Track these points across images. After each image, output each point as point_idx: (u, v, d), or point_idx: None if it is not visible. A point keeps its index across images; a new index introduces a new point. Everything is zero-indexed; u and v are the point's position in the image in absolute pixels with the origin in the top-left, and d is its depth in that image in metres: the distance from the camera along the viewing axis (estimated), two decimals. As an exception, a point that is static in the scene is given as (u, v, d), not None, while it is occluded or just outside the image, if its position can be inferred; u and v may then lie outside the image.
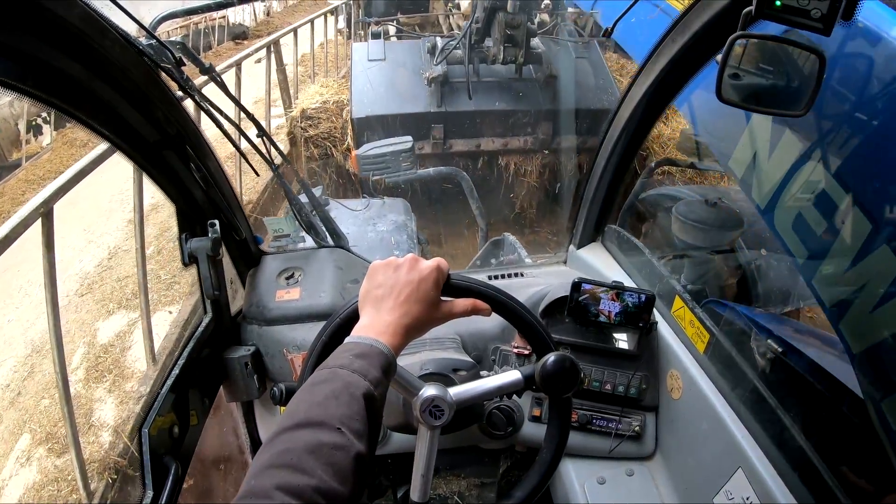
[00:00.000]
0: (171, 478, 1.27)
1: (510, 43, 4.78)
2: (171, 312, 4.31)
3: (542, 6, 5.61)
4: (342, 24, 9.47)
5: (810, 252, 1.29)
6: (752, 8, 0.92)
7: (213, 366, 1.61)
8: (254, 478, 0.60)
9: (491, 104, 5.13)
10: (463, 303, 0.95)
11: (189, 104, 1.36)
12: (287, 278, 1.82)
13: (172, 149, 1.33)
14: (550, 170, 5.41)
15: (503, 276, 1.95)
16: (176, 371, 1.42)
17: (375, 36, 6.10)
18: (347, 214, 2.36)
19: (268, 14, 19.45)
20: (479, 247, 3.14)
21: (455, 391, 1.00)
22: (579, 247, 1.99)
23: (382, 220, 2.85)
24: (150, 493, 1.21)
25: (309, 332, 1.69)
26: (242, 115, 1.69)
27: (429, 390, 0.99)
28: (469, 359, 1.47)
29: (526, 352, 1.62)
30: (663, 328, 1.59)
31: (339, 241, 1.96)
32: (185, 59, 1.25)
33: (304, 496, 0.58)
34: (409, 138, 2.53)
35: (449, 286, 0.97)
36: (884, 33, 1.17)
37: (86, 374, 4.05)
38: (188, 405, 1.45)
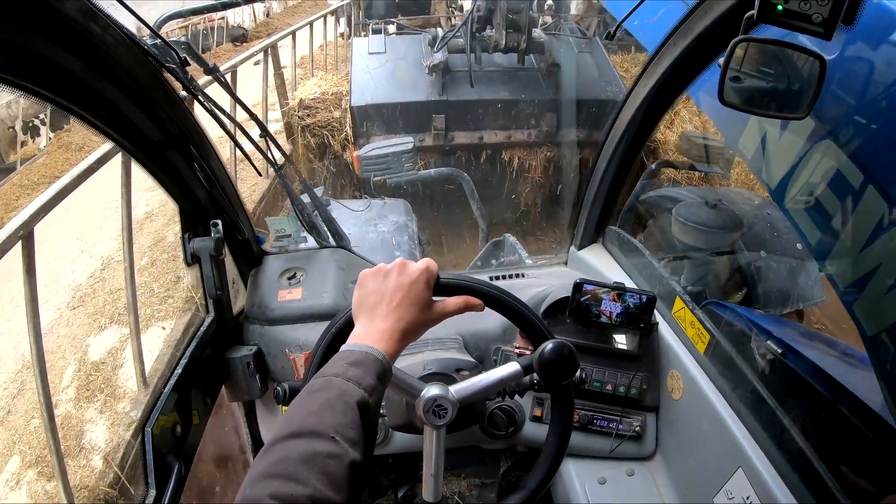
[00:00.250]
0: (173, 477, 1.27)
1: (512, 28, 4.72)
2: (164, 328, 4.17)
3: (546, 7, 5.59)
4: (343, 27, 9.45)
5: (823, 233, 1.27)
6: (754, 12, 0.93)
7: (215, 365, 1.61)
8: (249, 487, 0.61)
9: (493, 93, 5.03)
10: (455, 301, 0.96)
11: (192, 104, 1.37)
12: (289, 278, 1.83)
13: (176, 149, 1.33)
14: (555, 165, 5.29)
15: (504, 277, 1.96)
16: (178, 370, 1.42)
17: (376, 31, 6.03)
18: (348, 215, 2.37)
19: (267, 15, 19.42)
20: (479, 248, 3.15)
21: (456, 388, 1.01)
22: (580, 248, 2.00)
23: (383, 221, 2.86)
24: (153, 492, 1.22)
25: (311, 332, 1.69)
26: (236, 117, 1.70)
27: (430, 390, 0.99)
28: (471, 359, 1.47)
29: (528, 352, 1.63)
30: (664, 329, 1.60)
31: (341, 242, 1.96)
32: (189, 60, 1.25)
33: None
34: (410, 139, 2.54)
35: (440, 286, 0.97)
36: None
37: (76, 392, 3.92)
38: (191, 405, 1.46)
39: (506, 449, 1.86)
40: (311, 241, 1.96)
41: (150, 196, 5.94)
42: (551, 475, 1.14)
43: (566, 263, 2.09)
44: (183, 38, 1.22)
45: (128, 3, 1.05)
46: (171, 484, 1.26)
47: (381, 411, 1.40)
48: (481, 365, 1.32)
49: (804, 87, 1.09)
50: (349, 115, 5.07)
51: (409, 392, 1.01)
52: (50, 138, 9.18)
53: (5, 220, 2.12)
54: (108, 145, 2.35)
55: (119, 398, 3.77)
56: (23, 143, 9.01)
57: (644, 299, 1.51)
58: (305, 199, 1.94)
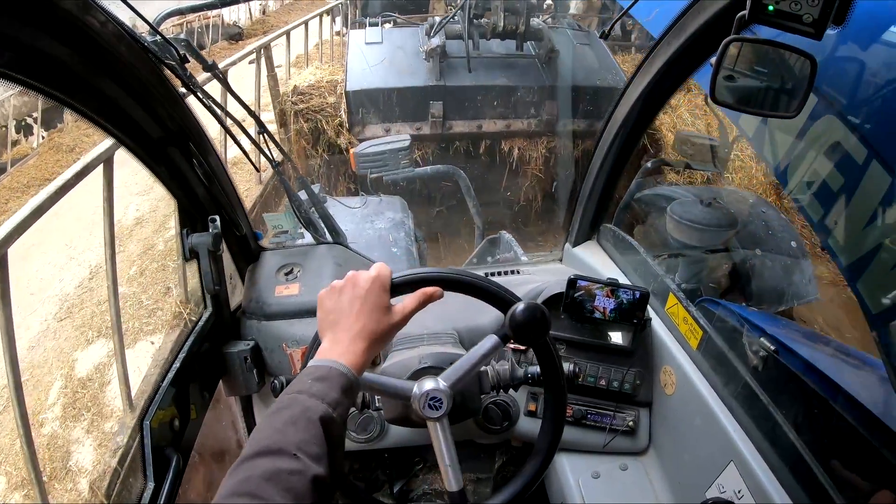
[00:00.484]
0: (172, 470, 1.28)
1: (510, 11, 4.68)
2: (152, 343, 4.06)
3: (545, 7, 5.56)
4: (339, 25, 9.40)
5: (826, 209, 1.27)
6: (745, 12, 0.95)
7: (213, 360, 1.63)
8: None
9: (492, 80, 4.94)
10: (412, 297, 0.97)
11: (190, 101, 1.38)
12: (286, 274, 1.84)
13: (175, 145, 1.34)
14: (557, 157, 5.17)
15: (499, 274, 1.98)
16: (177, 365, 1.43)
17: (374, 24, 5.94)
18: (345, 212, 2.38)
19: (263, 13, 19.36)
20: (475, 245, 3.17)
21: (444, 376, 1.03)
22: (575, 245, 2.01)
23: (380, 218, 2.87)
24: (151, 485, 1.23)
25: (308, 327, 1.71)
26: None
27: (422, 386, 1.02)
28: (466, 352, 1.49)
29: (522, 348, 1.65)
30: (657, 325, 1.61)
31: (338, 238, 1.98)
32: (188, 56, 1.26)
33: None
34: (407, 137, 2.55)
35: (395, 286, 0.98)
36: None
37: (63, 411, 3.80)
38: (188, 399, 1.47)
39: (500, 444, 1.88)
40: (308, 238, 1.97)
41: (141, 201, 5.89)
42: (544, 467, 1.15)
43: (561, 260, 2.11)
44: (182, 36, 1.23)
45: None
46: (170, 477, 1.27)
47: (377, 405, 1.42)
48: None
49: (795, 86, 1.10)
50: (344, 101, 4.94)
51: (401, 394, 1.04)
52: (43, 137, 9.12)
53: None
54: (87, 157, 2.29)
55: (106, 417, 3.65)
56: (15, 143, 8.95)
57: (637, 295, 1.53)
58: (303, 195, 1.95)
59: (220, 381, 1.68)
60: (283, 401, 0.77)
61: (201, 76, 1.47)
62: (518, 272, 1.99)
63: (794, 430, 1.19)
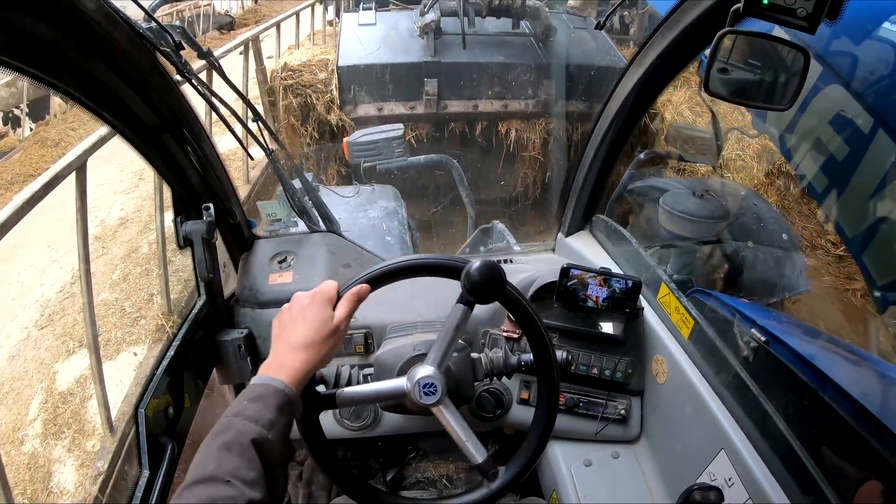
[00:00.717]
0: (167, 457, 1.29)
1: None
2: (135, 354, 3.91)
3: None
4: (332, 14, 9.26)
5: (831, 180, 1.26)
6: (740, 5, 0.95)
7: (207, 348, 1.63)
8: None
9: (488, 57, 4.82)
10: (343, 303, 0.99)
11: (184, 88, 1.37)
12: (280, 262, 1.84)
13: (170, 132, 1.34)
14: (556, 140, 5.01)
15: None
16: (171, 353, 1.44)
17: (367, 8, 5.82)
18: (338, 201, 2.38)
19: (255, 1, 19.11)
20: (468, 235, 3.17)
21: (428, 361, 1.06)
22: (568, 234, 2.03)
23: (373, 207, 2.87)
24: (146, 473, 1.23)
25: None
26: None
27: (412, 377, 1.05)
28: (460, 341, 1.50)
29: (515, 335, 1.66)
30: (649, 314, 1.63)
31: (332, 226, 1.98)
32: (183, 43, 1.26)
33: None
34: (401, 126, 2.54)
35: (341, 296, 1.02)
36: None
37: (43, 427, 3.62)
38: (183, 387, 1.47)
39: (492, 431, 1.90)
40: (302, 226, 1.97)
41: (126, 199, 5.72)
42: (537, 455, 1.17)
43: (553, 250, 2.12)
44: (177, 23, 1.23)
45: (121, -15, 1.06)
46: (165, 464, 1.27)
47: None
48: (470, 347, 1.35)
49: (788, 79, 1.12)
50: (335, 78, 4.81)
51: (396, 394, 1.07)
52: (32, 128, 8.96)
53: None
54: (58, 165, 2.19)
55: (88, 435, 3.48)
56: (2, 136, 8.79)
57: (630, 284, 1.55)
58: (296, 184, 1.95)
59: (214, 370, 1.68)
60: (220, 425, 0.80)
61: (195, 65, 1.46)
62: (511, 261, 2.01)
63: (784, 419, 1.21)
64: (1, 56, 0.82)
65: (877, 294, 1.11)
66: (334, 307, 0.98)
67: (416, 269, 1.06)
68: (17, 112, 9.07)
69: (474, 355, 1.30)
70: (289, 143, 4.91)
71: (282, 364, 0.89)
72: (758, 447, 1.24)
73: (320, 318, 0.94)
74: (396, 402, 1.22)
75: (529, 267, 1.90)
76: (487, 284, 0.99)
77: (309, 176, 2.17)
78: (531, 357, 1.22)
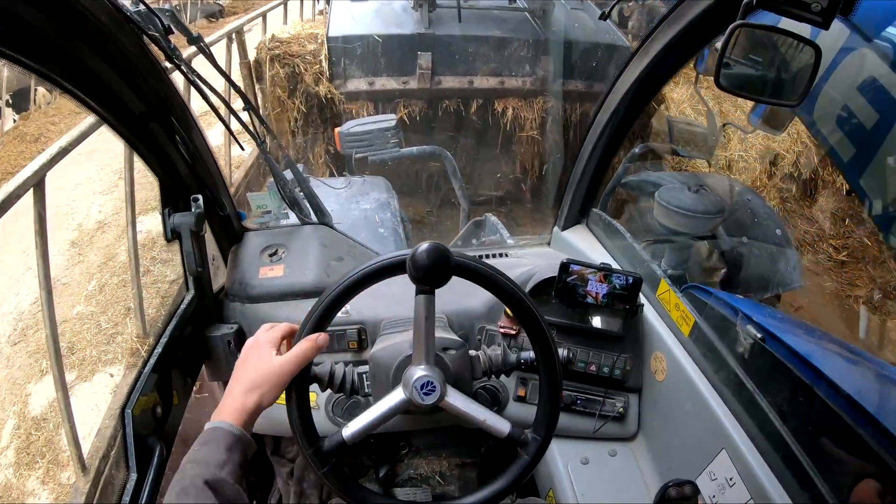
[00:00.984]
0: (155, 459, 1.25)
1: None
2: (111, 376, 3.66)
3: None
4: (322, 3, 9.03)
5: (858, 148, 1.22)
6: (752, -2, 0.93)
7: (196, 344, 1.58)
8: None
9: (484, 30, 4.65)
10: (295, 349, 1.00)
11: (175, 77, 1.32)
12: (270, 255, 1.79)
13: (158, 121, 1.29)
14: (554, 119, 4.83)
15: (487, 257, 1.95)
16: (159, 350, 1.39)
17: None
18: (329, 193, 2.33)
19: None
20: (460, 227, 3.14)
21: (414, 361, 1.06)
22: (564, 228, 2.00)
23: (365, 198, 2.82)
24: (134, 476, 1.19)
25: (293, 310, 1.67)
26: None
27: (407, 383, 1.04)
28: (458, 338, 1.47)
29: (512, 331, 1.63)
30: (648, 311, 1.61)
31: (324, 218, 1.93)
32: (173, 28, 1.20)
33: None
34: (394, 116, 2.49)
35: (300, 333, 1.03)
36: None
37: (16, 456, 3.38)
38: (171, 385, 1.43)
39: None
40: (293, 218, 1.92)
41: (105, 201, 5.46)
42: (538, 458, 1.14)
43: (549, 244, 2.09)
44: (167, 6, 1.17)
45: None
46: (153, 467, 1.23)
47: (366, 391, 1.40)
48: (465, 345, 1.32)
49: (799, 74, 1.09)
50: (325, 49, 4.60)
51: (402, 408, 1.06)
52: (15, 119, 8.64)
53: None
54: (12, 183, 2.04)
55: (63, 465, 3.26)
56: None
57: (630, 281, 1.52)
58: (287, 175, 1.89)
59: (203, 366, 1.64)
60: (178, 473, 0.84)
61: (185, 52, 1.40)
62: (506, 255, 1.98)
63: (786, 419, 1.20)
64: None
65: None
66: (290, 345, 1.02)
67: (365, 279, 1.02)
68: (1, 103, 8.75)
69: (472, 353, 1.27)
70: (275, 118, 4.72)
71: (228, 407, 0.93)
72: (759, 447, 1.23)
73: (263, 362, 0.97)
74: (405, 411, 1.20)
75: (525, 261, 1.87)
76: (434, 266, 0.95)
77: (299, 167, 2.12)
78: (531, 355, 1.20)
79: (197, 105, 1.45)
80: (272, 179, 1.85)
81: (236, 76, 5.08)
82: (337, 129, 2.44)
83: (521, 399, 1.63)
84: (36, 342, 4.14)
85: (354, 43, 4.56)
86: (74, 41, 0.95)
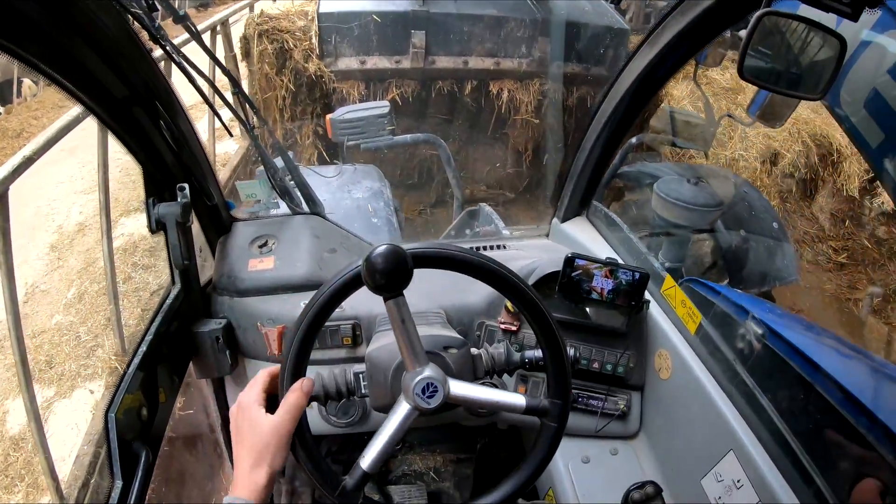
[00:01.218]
0: (141, 465, 1.18)
1: None
2: (91, 392, 3.48)
3: None
4: None
5: (888, 133, 1.19)
6: (780, -16, 0.88)
7: (182, 340, 1.51)
8: None
9: (479, 9, 4.52)
10: (283, 406, 0.95)
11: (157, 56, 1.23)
12: (260, 246, 1.72)
13: (141, 105, 1.20)
14: (550, 103, 4.69)
15: (484, 248, 1.90)
16: (144, 348, 1.32)
17: None
18: (320, 181, 2.25)
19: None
20: (453, 217, 3.08)
21: (407, 366, 0.99)
22: (564, 220, 1.95)
23: (357, 187, 2.74)
24: (119, 483, 1.12)
25: (284, 304, 1.61)
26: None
27: (406, 394, 0.98)
28: (458, 336, 1.42)
29: (513, 327, 1.59)
30: (653, 307, 1.58)
31: (315, 208, 1.86)
32: (157, 5, 1.12)
33: None
34: (387, 103, 2.41)
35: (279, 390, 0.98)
36: None
37: None
38: (157, 384, 1.35)
39: (486, 426, 1.84)
40: (284, 208, 1.85)
41: (86, 200, 5.18)
42: (546, 463, 1.10)
43: (548, 235, 2.04)
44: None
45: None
46: (139, 473, 1.17)
47: (363, 392, 1.35)
48: (467, 343, 1.26)
49: (822, 66, 1.05)
50: (315, 25, 4.44)
51: (409, 419, 1.00)
52: (1, 112, 8.30)
53: None
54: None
55: (42, 489, 3.05)
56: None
57: (637, 276, 1.48)
58: (278, 162, 1.81)
59: (191, 363, 1.57)
60: None
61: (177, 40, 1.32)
62: (504, 247, 1.92)
63: (796, 422, 1.18)
64: None
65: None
66: (280, 396, 0.97)
67: (321, 314, 0.98)
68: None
69: (474, 351, 1.22)
70: (262, 96, 4.55)
71: (242, 485, 0.90)
72: (768, 449, 1.21)
73: (257, 427, 0.93)
74: (388, 401, 1.14)
75: (525, 254, 1.82)
76: (390, 271, 0.87)
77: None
78: (535, 353, 1.15)
79: (187, 97, 1.36)
80: (261, 167, 1.77)
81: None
82: (328, 116, 2.35)
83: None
84: (13, 354, 3.86)
85: (346, 20, 4.41)
86: (49, 18, 0.86)
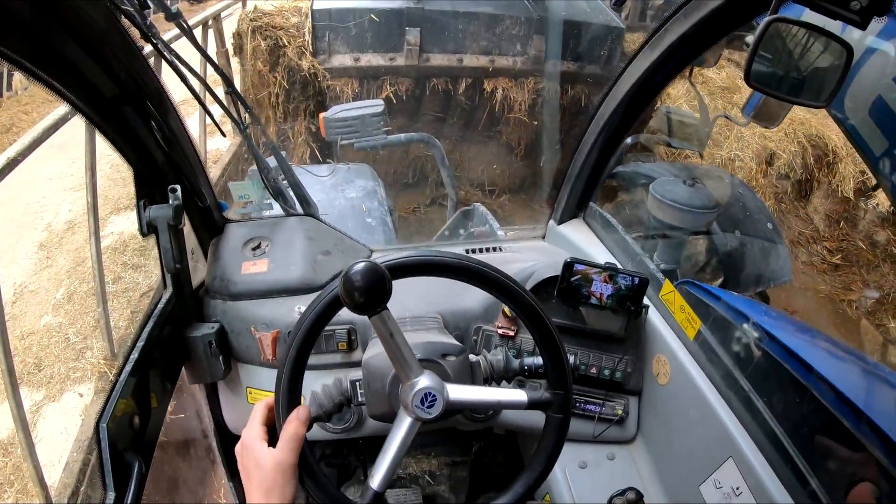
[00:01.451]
0: (134, 476, 1.15)
1: None
2: (81, 395, 3.41)
3: None
4: None
5: (892, 141, 1.18)
6: (787, -10, 0.86)
7: (175, 345, 1.48)
8: None
9: (475, 7, 4.51)
10: (280, 442, 0.93)
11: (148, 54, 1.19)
12: (253, 249, 1.69)
13: (131, 104, 1.17)
14: (544, 102, 4.74)
15: (479, 251, 1.88)
16: (135, 355, 1.28)
17: None
18: (313, 181, 2.21)
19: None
20: (447, 217, 3.05)
21: (402, 379, 0.96)
22: (560, 222, 1.93)
23: (351, 187, 2.70)
24: (111, 495, 1.10)
25: (278, 308, 1.58)
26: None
27: (406, 407, 0.95)
28: (457, 342, 1.40)
29: (511, 332, 1.57)
30: (651, 312, 1.57)
31: (309, 209, 1.83)
32: (149, 2, 1.08)
33: None
34: (381, 102, 2.38)
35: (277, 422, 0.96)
36: None
37: None
38: (149, 391, 1.32)
39: (482, 430, 1.83)
40: (277, 209, 1.81)
41: (75, 198, 5.06)
42: (547, 471, 1.09)
43: (544, 237, 2.03)
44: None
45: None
46: (133, 484, 1.14)
47: (360, 400, 1.32)
48: (466, 350, 1.24)
49: (828, 74, 1.04)
50: (309, 22, 4.41)
51: (412, 432, 0.97)
52: None
53: None
54: None
55: (32, 496, 2.92)
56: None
57: (637, 281, 1.47)
58: (271, 162, 1.78)
59: (183, 368, 1.53)
60: None
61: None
62: (500, 249, 1.90)
63: (796, 430, 1.17)
64: None
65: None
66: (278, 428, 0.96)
67: (317, 322, 0.97)
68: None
69: (472, 358, 1.19)
70: (255, 93, 4.51)
71: None
72: (768, 457, 1.20)
73: (262, 463, 0.91)
74: (386, 410, 1.12)
75: (521, 256, 1.80)
76: (371, 288, 0.85)
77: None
78: (534, 361, 1.14)
79: (177, 93, 1.32)
80: (254, 167, 1.73)
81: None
82: (322, 115, 2.31)
83: None
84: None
85: (340, 16, 4.38)
86: (37, 15, 0.83)
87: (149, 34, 1.13)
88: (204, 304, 1.59)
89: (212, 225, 1.65)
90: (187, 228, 1.53)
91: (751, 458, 1.21)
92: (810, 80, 1.06)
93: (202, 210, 1.57)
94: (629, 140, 2.53)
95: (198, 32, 4.50)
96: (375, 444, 1.87)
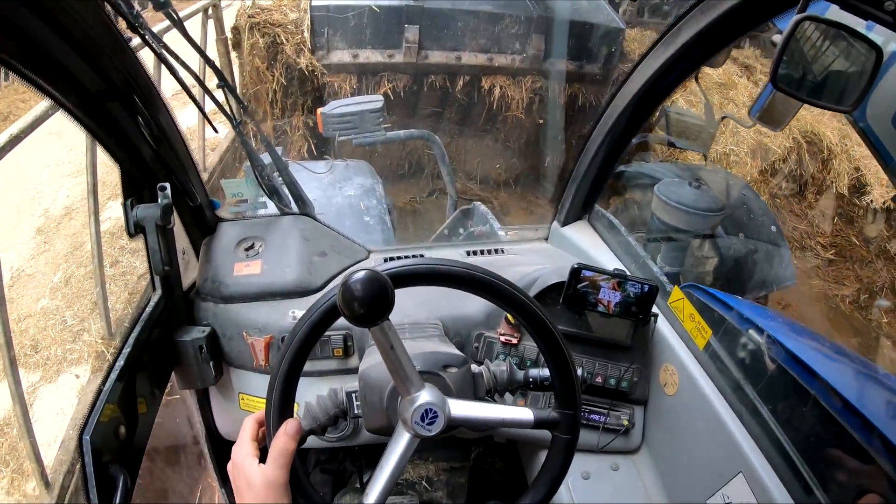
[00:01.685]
0: (119, 492, 1.09)
1: None
2: (77, 377, 3.40)
3: None
4: None
5: None
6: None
7: (164, 350, 1.42)
8: None
9: (474, 5, 4.49)
10: (270, 456, 0.90)
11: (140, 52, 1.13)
12: (246, 249, 1.63)
13: (118, 100, 1.10)
14: (542, 101, 4.72)
15: (480, 253, 1.83)
16: (122, 361, 1.22)
17: None
18: (310, 178, 2.15)
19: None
20: (446, 216, 2.99)
21: (402, 394, 0.91)
22: (564, 224, 1.88)
23: (349, 184, 2.64)
24: None
25: (271, 312, 1.52)
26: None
27: (405, 424, 0.91)
28: (459, 352, 1.34)
29: (513, 340, 1.52)
30: (659, 320, 1.52)
31: (305, 208, 1.77)
32: (135, -10, 1.02)
33: None
34: (380, 97, 2.32)
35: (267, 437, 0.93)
36: None
37: None
38: (136, 398, 1.26)
39: (482, 438, 1.78)
40: (272, 207, 1.75)
41: (73, 184, 5.03)
42: (576, 437, 1.05)
43: (547, 239, 1.97)
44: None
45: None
46: (118, 499, 1.08)
47: (356, 412, 1.28)
48: (468, 361, 1.19)
49: (855, 77, 0.99)
50: (308, 18, 4.36)
51: (411, 449, 0.92)
52: None
53: None
54: None
55: (27, 475, 2.99)
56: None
57: (646, 289, 1.41)
58: (265, 159, 1.71)
59: (173, 373, 1.47)
60: None
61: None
62: (502, 251, 1.85)
63: (810, 445, 1.13)
64: None
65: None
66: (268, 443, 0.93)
67: (301, 351, 0.93)
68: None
69: (475, 369, 1.14)
70: (252, 90, 4.46)
71: None
72: (780, 473, 1.16)
73: (253, 480, 0.89)
74: (384, 423, 1.07)
75: (524, 259, 1.75)
76: (373, 299, 0.79)
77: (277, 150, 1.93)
78: (540, 373, 1.09)
79: (169, 85, 1.26)
80: (248, 163, 1.67)
81: (212, 54, 4.77)
82: (320, 110, 2.25)
83: None
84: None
85: (339, 12, 4.34)
86: (15, 3, 0.76)
87: (136, 24, 1.06)
88: (195, 306, 1.53)
89: (203, 224, 1.59)
90: (178, 227, 1.46)
91: (762, 474, 1.17)
92: (835, 83, 1.01)
93: (193, 209, 1.51)
94: (634, 141, 2.48)
95: (197, 20, 4.42)
96: (372, 451, 1.82)
